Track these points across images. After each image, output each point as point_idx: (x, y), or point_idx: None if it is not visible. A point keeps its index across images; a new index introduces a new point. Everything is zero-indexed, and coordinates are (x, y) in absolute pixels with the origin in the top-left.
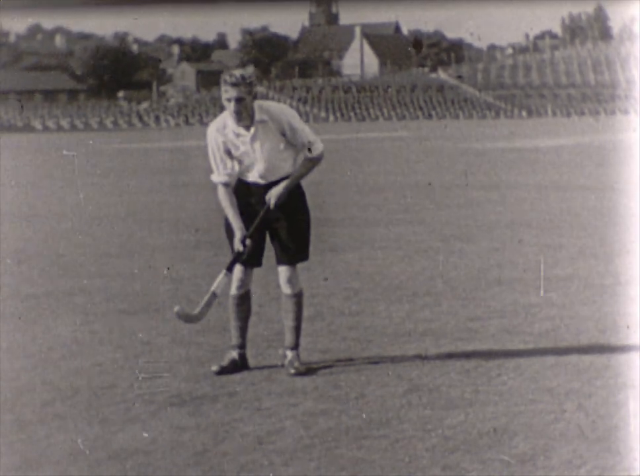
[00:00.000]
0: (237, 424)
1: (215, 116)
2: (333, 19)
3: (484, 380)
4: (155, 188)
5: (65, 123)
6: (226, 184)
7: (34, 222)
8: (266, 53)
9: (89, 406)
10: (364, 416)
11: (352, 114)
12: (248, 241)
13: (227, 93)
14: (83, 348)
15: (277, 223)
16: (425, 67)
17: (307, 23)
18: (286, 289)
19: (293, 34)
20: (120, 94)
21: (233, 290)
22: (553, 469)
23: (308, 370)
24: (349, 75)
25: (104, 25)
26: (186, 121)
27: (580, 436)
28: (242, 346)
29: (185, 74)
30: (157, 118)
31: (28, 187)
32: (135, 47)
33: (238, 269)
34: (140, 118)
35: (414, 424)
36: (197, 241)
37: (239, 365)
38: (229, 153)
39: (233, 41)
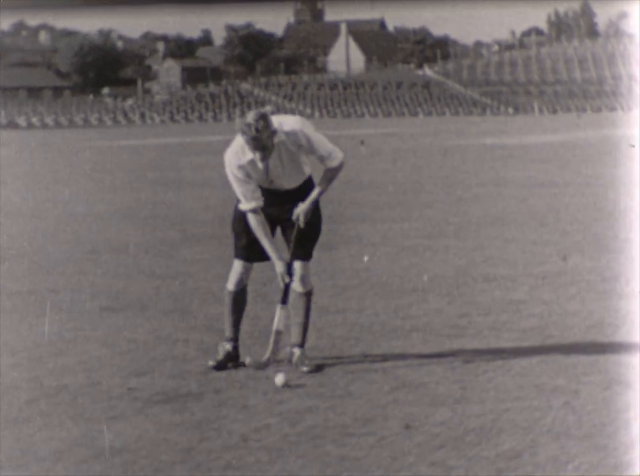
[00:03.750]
0: (223, 422)
1: (200, 112)
2: (318, 16)
3: (471, 377)
4: (140, 185)
5: (49, 120)
6: (255, 210)
7: (18, 219)
8: (251, 49)
9: (74, 404)
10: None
11: (337, 110)
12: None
13: (250, 144)
14: (68, 346)
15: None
16: (411, 64)
17: (292, 20)
18: (299, 288)
19: (279, 30)
20: (105, 91)
21: (231, 286)
22: (539, 466)
23: (318, 367)
24: (335, 72)
25: (88, 22)
26: (172, 118)
27: (566, 433)
28: (236, 339)
29: (170, 71)
30: (142, 115)
31: (13, 184)
32: (120, 44)
33: (239, 264)
34: (125, 114)
35: (400, 421)
36: (183, 238)
37: (233, 357)
38: (249, 176)
39: (218, 37)
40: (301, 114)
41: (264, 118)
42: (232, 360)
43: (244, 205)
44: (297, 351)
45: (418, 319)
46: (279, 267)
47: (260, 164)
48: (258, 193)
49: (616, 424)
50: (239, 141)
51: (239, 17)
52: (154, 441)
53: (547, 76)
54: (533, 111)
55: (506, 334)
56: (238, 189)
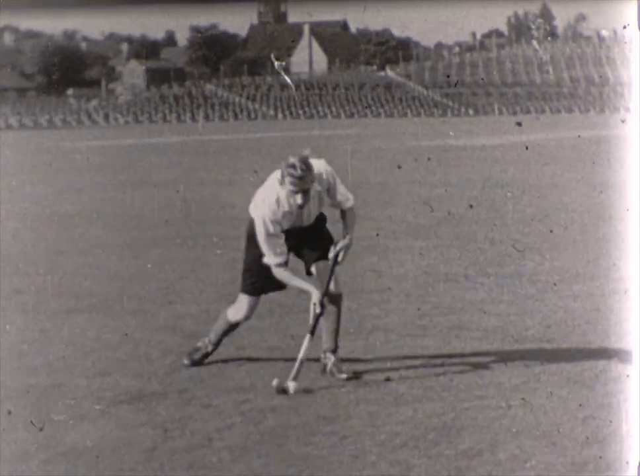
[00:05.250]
0: (186, 421)
1: (163, 113)
2: (282, 17)
3: (432, 376)
4: (104, 185)
5: (14, 121)
6: (281, 265)
7: None
8: (215, 51)
9: (38, 405)
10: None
11: (300, 111)
12: (325, 299)
13: (294, 186)
14: (33, 346)
15: (309, 234)
16: (373, 66)
17: (255, 21)
18: (334, 289)
19: (242, 32)
20: (69, 91)
21: (237, 318)
22: (499, 464)
23: (355, 373)
24: (297, 73)
25: (53, 23)
26: (136, 119)
27: (525, 431)
28: (217, 344)
29: (134, 72)
30: (106, 116)
31: None
32: (84, 45)
33: (247, 300)
34: (89, 115)
35: (362, 420)
36: (146, 239)
37: (207, 357)
38: (282, 230)
39: (182, 38)
40: (265, 115)
41: (306, 159)
42: (205, 358)
43: (271, 260)
44: (332, 357)
45: (380, 319)
46: (315, 297)
47: (295, 212)
48: (285, 247)
49: (572, 422)
50: (272, 194)
51: (203, 18)
52: (117, 442)
53: (507, 78)
54: (493, 112)
55: (466, 333)
56: (267, 245)
